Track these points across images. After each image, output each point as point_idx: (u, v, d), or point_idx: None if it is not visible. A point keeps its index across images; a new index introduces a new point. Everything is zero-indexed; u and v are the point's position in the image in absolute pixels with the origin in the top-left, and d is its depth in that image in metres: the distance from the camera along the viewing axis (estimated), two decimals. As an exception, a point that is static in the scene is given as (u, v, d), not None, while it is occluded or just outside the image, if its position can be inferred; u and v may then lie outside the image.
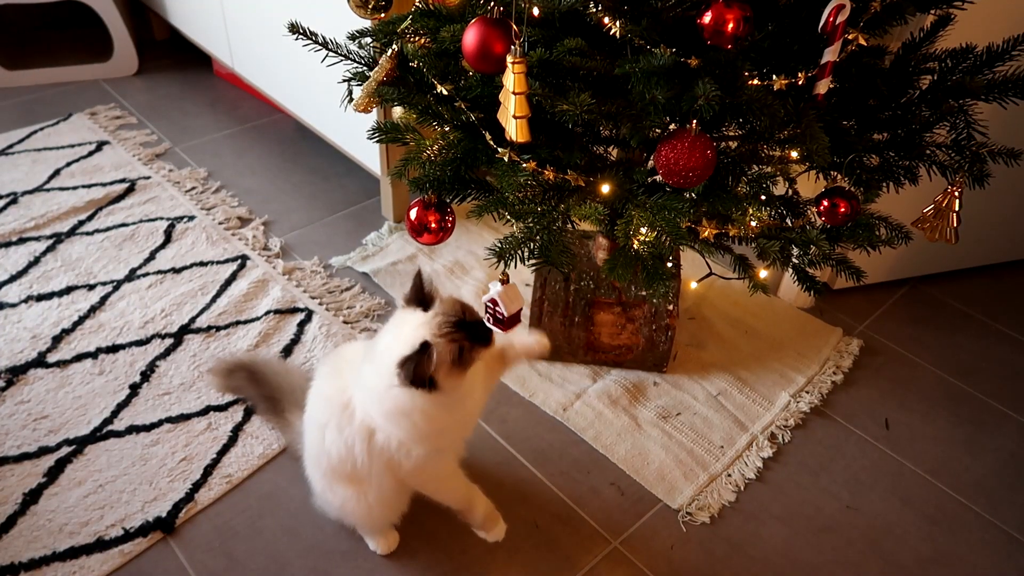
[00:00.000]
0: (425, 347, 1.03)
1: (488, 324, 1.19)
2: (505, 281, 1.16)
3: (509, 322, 1.22)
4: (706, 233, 1.24)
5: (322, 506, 1.34)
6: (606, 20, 1.06)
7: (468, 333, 1.07)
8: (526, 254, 1.19)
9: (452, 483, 1.29)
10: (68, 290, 1.84)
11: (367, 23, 1.31)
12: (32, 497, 1.40)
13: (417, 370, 1.02)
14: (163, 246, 1.99)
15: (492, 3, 1.02)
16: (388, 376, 1.05)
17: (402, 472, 1.19)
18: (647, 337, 1.66)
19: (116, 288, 1.85)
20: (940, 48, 1.25)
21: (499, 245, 1.18)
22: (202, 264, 1.94)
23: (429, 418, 1.11)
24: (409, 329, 1.07)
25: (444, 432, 1.18)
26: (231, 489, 1.44)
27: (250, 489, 1.45)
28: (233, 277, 1.91)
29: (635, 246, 1.18)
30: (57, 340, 1.70)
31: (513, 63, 0.96)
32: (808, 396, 1.69)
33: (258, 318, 1.79)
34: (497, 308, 1.17)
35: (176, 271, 1.92)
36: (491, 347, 1.11)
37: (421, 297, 1.10)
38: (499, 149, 1.15)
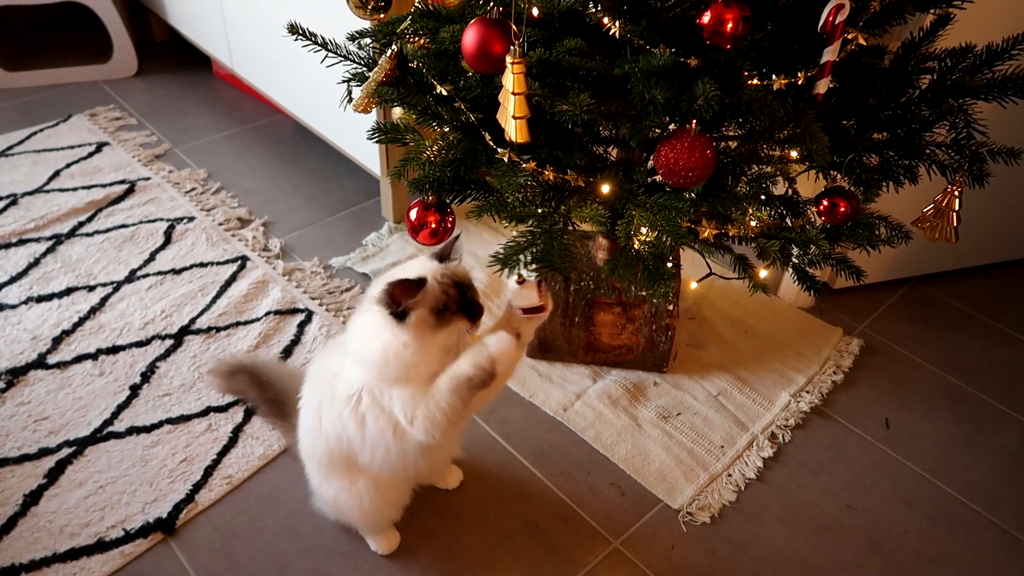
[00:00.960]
0: (422, 281, 1.05)
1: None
2: (521, 281, 1.16)
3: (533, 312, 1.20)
4: (706, 233, 1.24)
5: (321, 506, 1.34)
6: (605, 20, 1.06)
7: (461, 298, 1.08)
8: (528, 258, 1.19)
9: (447, 401, 1.10)
10: (68, 291, 1.84)
11: (366, 24, 1.32)
12: (32, 498, 1.40)
13: (398, 290, 1.03)
14: (163, 247, 1.99)
15: (491, 3, 1.02)
16: (375, 294, 1.07)
17: (403, 427, 1.11)
18: (647, 337, 1.66)
19: (116, 289, 1.85)
20: (940, 47, 1.25)
21: (501, 252, 1.17)
22: (202, 265, 1.94)
23: (385, 355, 1.07)
24: (418, 266, 1.11)
25: (404, 371, 1.09)
26: (231, 490, 1.44)
27: (250, 490, 1.45)
28: (233, 278, 1.91)
29: (636, 246, 1.18)
30: (57, 341, 1.70)
31: (512, 63, 0.96)
32: (808, 396, 1.69)
33: (258, 319, 1.79)
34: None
35: (176, 272, 1.92)
36: (472, 327, 1.09)
37: (445, 255, 1.13)
38: (499, 150, 1.15)
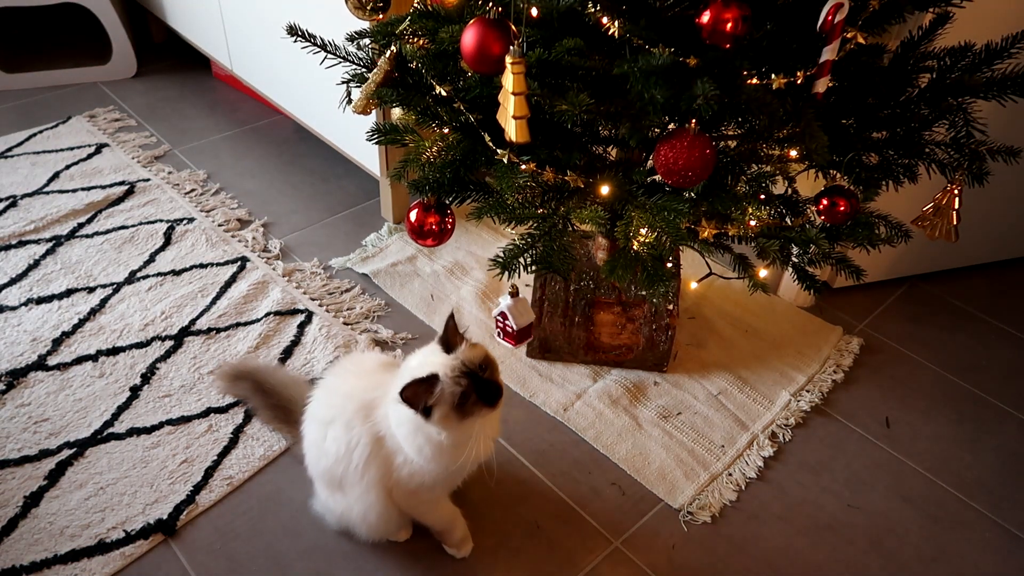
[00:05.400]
0: (433, 379, 1.07)
1: (498, 338, 1.19)
2: (515, 294, 1.16)
3: (519, 336, 1.21)
4: (706, 233, 1.24)
5: (323, 514, 1.34)
6: (604, 20, 1.06)
7: (477, 386, 1.08)
8: (528, 261, 1.19)
9: (439, 510, 1.30)
10: (68, 293, 1.84)
11: (365, 24, 1.31)
12: (33, 500, 1.40)
13: (411, 392, 1.06)
14: (163, 248, 1.99)
15: (491, 3, 1.03)
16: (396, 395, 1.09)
17: (396, 492, 1.21)
18: (647, 337, 1.66)
19: (116, 291, 1.85)
20: (939, 46, 1.25)
21: (501, 256, 1.17)
22: (202, 266, 1.94)
23: (436, 448, 1.13)
24: (432, 360, 1.11)
25: (447, 470, 1.19)
26: (232, 491, 1.44)
27: (251, 491, 1.45)
28: (233, 279, 1.91)
29: (635, 247, 1.18)
30: (57, 343, 1.70)
31: (512, 63, 0.96)
32: (809, 395, 1.69)
33: (258, 320, 1.79)
34: (507, 321, 1.17)
35: (176, 273, 1.92)
36: (495, 409, 1.11)
37: (449, 342, 1.13)
38: (498, 150, 1.15)
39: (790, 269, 1.41)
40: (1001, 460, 1.59)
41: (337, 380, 1.26)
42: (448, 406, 1.07)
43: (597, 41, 1.08)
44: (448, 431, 1.09)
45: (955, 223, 1.23)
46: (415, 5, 1.21)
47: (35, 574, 1.29)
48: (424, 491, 1.21)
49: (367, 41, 1.31)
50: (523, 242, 1.19)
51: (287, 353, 1.71)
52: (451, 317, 1.13)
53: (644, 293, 1.60)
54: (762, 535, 1.42)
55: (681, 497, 1.47)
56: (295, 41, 1.29)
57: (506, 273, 1.18)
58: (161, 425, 1.54)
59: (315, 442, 1.23)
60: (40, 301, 1.81)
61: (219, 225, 2.09)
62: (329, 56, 1.31)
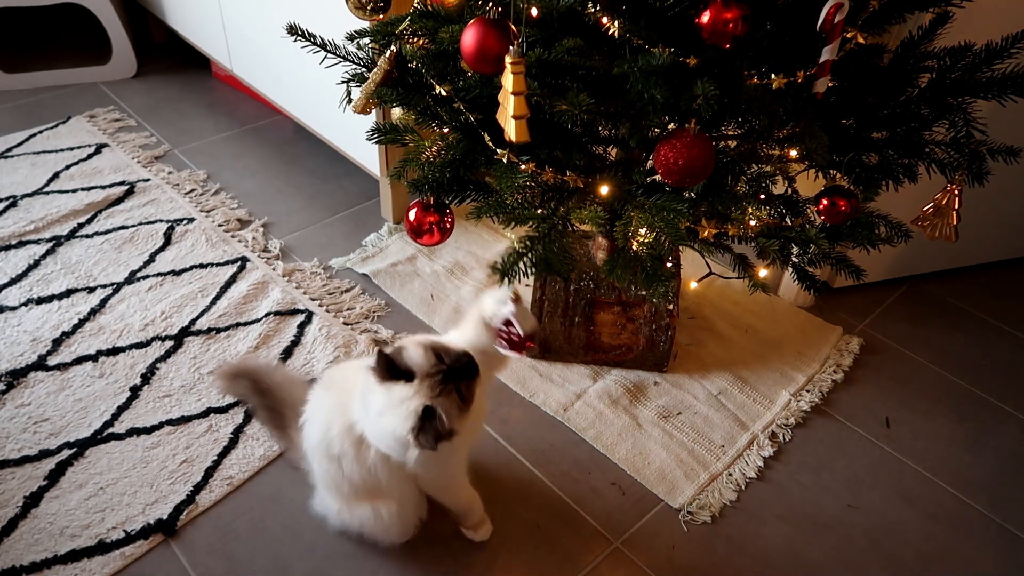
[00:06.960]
0: (431, 412, 1.06)
1: (502, 349, 1.17)
2: (516, 300, 1.15)
3: (523, 342, 1.19)
4: (705, 232, 1.24)
5: (324, 515, 1.34)
6: (604, 20, 1.06)
7: (456, 375, 1.09)
8: (527, 265, 1.18)
9: (462, 489, 1.33)
10: (68, 293, 1.84)
11: (366, 24, 1.32)
12: (33, 500, 1.40)
13: (430, 431, 1.05)
14: (163, 248, 1.99)
15: (490, 3, 1.03)
16: (404, 447, 1.10)
17: (420, 480, 1.25)
18: (647, 337, 1.66)
19: (116, 291, 1.85)
20: (939, 46, 1.25)
21: (501, 263, 1.16)
22: (202, 266, 1.94)
23: (454, 450, 1.17)
24: (407, 401, 1.07)
25: (462, 451, 1.26)
26: (232, 491, 1.44)
27: (251, 491, 1.45)
28: (233, 279, 1.91)
29: (634, 247, 1.18)
30: (57, 343, 1.70)
31: (512, 63, 0.96)
32: (809, 395, 1.69)
33: (258, 320, 1.79)
34: (512, 329, 1.13)
35: (176, 273, 1.92)
36: (480, 375, 1.13)
37: (396, 371, 1.09)
38: (498, 150, 1.15)
39: (790, 269, 1.42)
40: (1001, 460, 1.59)
41: (322, 415, 1.23)
42: (457, 411, 1.09)
43: (597, 41, 1.09)
44: (467, 420, 1.13)
45: (955, 223, 1.23)
46: (415, 5, 1.21)
47: (35, 574, 1.29)
48: (447, 474, 1.27)
49: (367, 41, 1.31)
50: (522, 246, 1.18)
51: (287, 353, 1.71)
52: (380, 354, 1.08)
53: (644, 293, 1.60)
54: (762, 535, 1.42)
55: (681, 497, 1.47)
56: (295, 41, 1.29)
57: (506, 282, 1.17)
58: (161, 425, 1.54)
59: (331, 472, 1.23)
60: (40, 301, 1.81)
61: (219, 225, 2.09)
62: (329, 56, 1.31)
